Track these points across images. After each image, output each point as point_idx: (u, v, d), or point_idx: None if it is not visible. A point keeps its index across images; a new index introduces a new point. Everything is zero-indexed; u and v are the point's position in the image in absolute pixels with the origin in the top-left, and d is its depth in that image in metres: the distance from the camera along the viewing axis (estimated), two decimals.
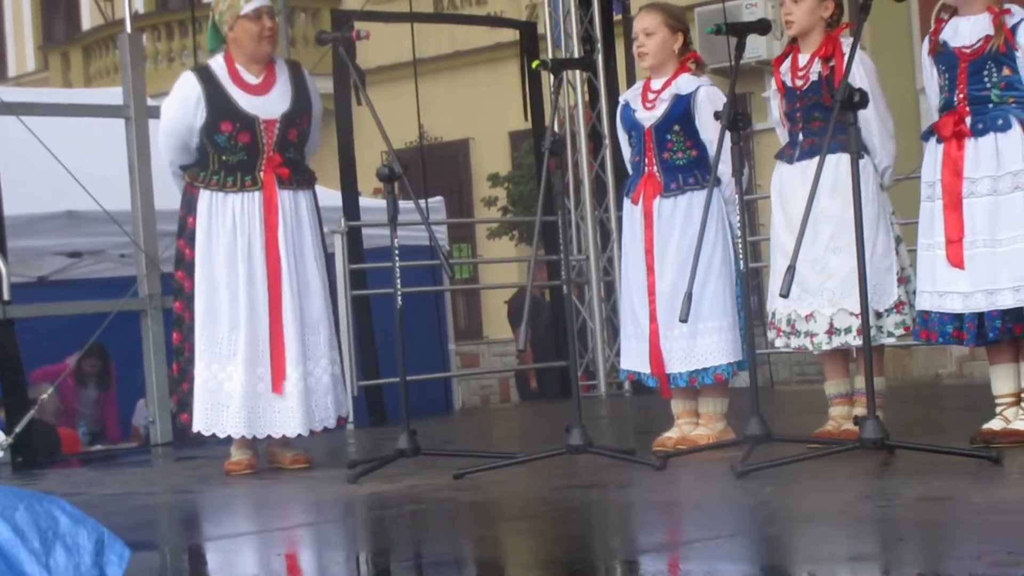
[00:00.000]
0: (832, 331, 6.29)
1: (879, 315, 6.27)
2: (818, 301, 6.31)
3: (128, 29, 9.41)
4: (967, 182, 5.86)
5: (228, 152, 6.90)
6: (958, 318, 5.90)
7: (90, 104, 10.81)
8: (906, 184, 7.22)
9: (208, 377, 6.88)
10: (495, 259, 19.80)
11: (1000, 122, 5.82)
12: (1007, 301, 5.77)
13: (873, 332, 6.13)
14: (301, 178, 7.03)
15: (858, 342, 6.20)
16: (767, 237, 6.63)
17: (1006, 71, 5.85)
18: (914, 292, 6.21)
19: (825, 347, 6.33)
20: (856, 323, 6.17)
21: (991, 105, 5.86)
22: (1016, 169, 5.79)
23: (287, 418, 6.86)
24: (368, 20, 10.40)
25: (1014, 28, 5.85)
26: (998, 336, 5.85)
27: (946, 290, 5.90)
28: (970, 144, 5.86)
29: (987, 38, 5.87)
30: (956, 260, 5.85)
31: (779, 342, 6.49)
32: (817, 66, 6.33)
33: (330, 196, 10.59)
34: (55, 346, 10.76)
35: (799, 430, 6.57)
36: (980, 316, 5.84)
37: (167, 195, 8.05)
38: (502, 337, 20.22)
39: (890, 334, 6.32)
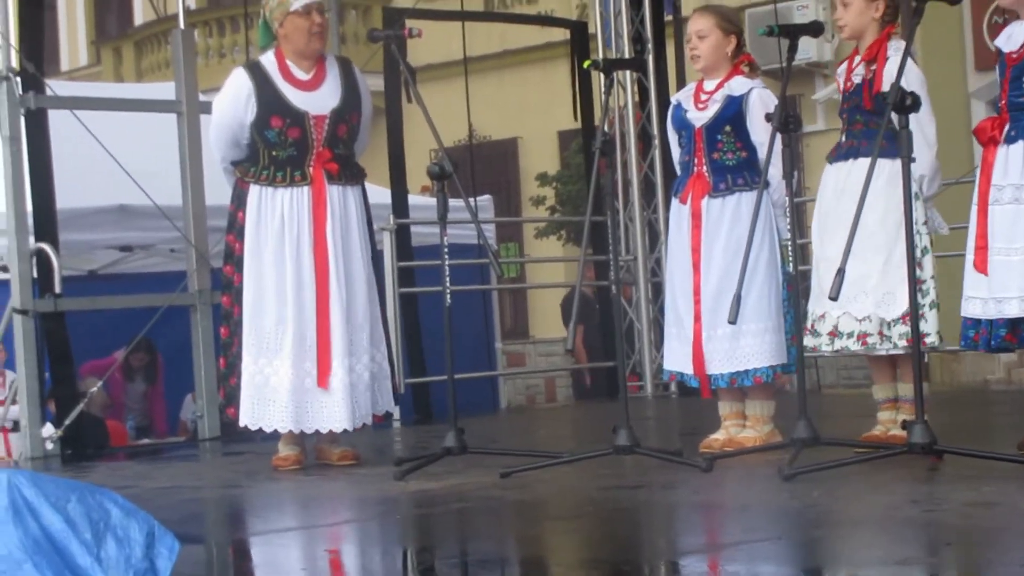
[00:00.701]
0: (835, 333, 6.28)
1: (888, 324, 6.21)
2: (829, 303, 6.28)
3: (181, 25, 9.46)
4: (994, 189, 5.83)
5: (278, 147, 6.93)
6: (978, 323, 5.90)
7: (143, 99, 10.87)
8: (956, 188, 7.19)
9: (255, 371, 6.91)
10: (543, 258, 19.80)
11: None
12: (1013, 310, 5.75)
13: (878, 340, 6.13)
14: (350, 174, 7.06)
15: (856, 348, 6.22)
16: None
17: None
18: (928, 305, 6.17)
19: (825, 349, 6.32)
20: (858, 328, 6.17)
21: None
22: None
23: (333, 413, 6.88)
24: (419, 18, 10.41)
25: None
26: (1002, 345, 5.85)
27: (971, 295, 5.91)
28: (1001, 151, 5.84)
29: None
30: (981, 266, 5.85)
31: (827, 346, 6.47)
32: (861, 69, 6.31)
33: (379, 193, 10.59)
34: (104, 340, 10.81)
35: (846, 434, 6.55)
36: (992, 322, 5.84)
37: (218, 190, 8.09)
38: (549, 337, 20.22)
39: (895, 345, 6.25)
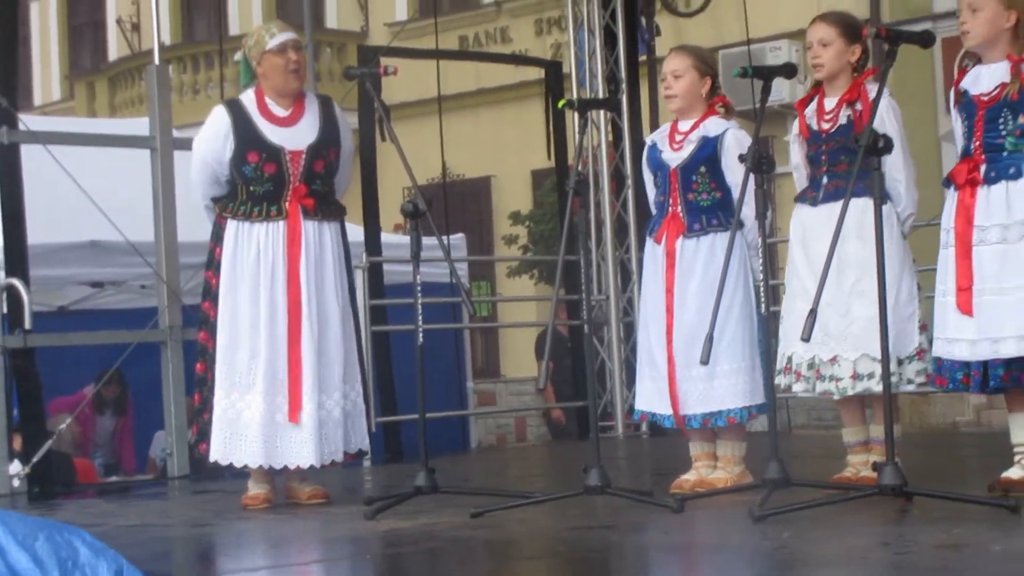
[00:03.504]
0: (855, 376, 6.29)
1: (900, 362, 6.26)
2: (842, 346, 6.30)
3: (156, 60, 9.45)
4: (977, 230, 5.87)
5: (255, 182, 6.94)
6: (966, 365, 5.90)
7: (116, 135, 10.85)
8: (926, 231, 7.22)
9: (227, 406, 6.89)
10: (515, 297, 19.79)
11: (1012, 170, 5.83)
12: (1011, 350, 5.77)
13: (894, 379, 6.12)
14: (328, 210, 7.06)
15: (878, 388, 6.19)
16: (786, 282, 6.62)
17: (1022, 119, 5.85)
18: (929, 341, 6.22)
19: (850, 392, 6.32)
20: (879, 369, 6.16)
21: (1005, 153, 5.86)
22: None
23: (301, 449, 6.87)
24: (394, 56, 10.44)
25: None
26: (1000, 385, 5.86)
27: (955, 337, 5.92)
28: (982, 192, 5.88)
29: (1003, 85, 5.89)
30: (965, 308, 5.86)
31: (797, 387, 6.47)
32: (846, 110, 6.34)
33: (351, 231, 10.58)
34: (74, 376, 10.78)
35: (817, 475, 6.55)
36: (985, 364, 5.84)
37: (190, 227, 8.08)
38: (519, 376, 20.20)
39: (910, 381, 6.30)
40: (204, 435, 6.99)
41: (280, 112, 7.02)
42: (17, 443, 8.62)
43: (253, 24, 22.46)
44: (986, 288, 5.83)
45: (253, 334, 6.88)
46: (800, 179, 6.57)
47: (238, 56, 7.17)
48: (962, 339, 5.89)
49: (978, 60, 6.04)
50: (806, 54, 6.60)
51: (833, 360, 6.33)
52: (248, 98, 7.06)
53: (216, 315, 6.96)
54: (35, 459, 8.40)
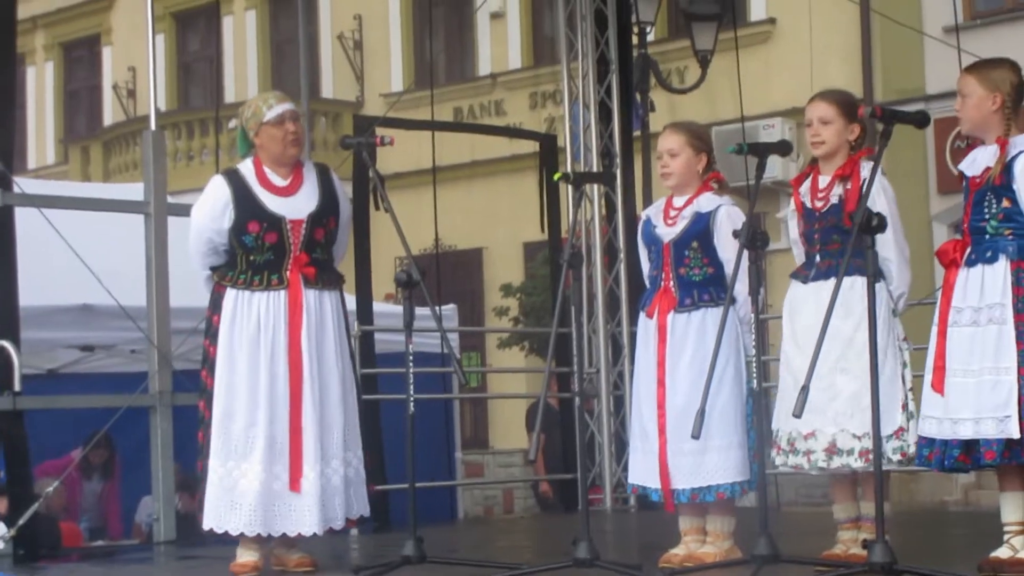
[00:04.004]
0: (834, 451, 6.29)
1: (882, 440, 6.25)
2: (820, 420, 6.30)
3: (152, 126, 9.47)
4: (953, 311, 5.95)
5: (255, 252, 6.95)
6: (932, 442, 5.97)
7: (110, 199, 10.87)
8: (918, 310, 7.24)
9: (224, 474, 6.85)
10: (507, 368, 19.79)
11: (989, 254, 5.89)
12: (967, 432, 5.84)
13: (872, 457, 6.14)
14: (328, 279, 7.08)
15: (858, 464, 6.23)
16: (778, 357, 6.64)
17: (1006, 203, 5.90)
18: (912, 415, 6.25)
19: (821, 465, 6.32)
20: (858, 445, 6.19)
21: (987, 236, 5.92)
22: (994, 302, 5.85)
23: (302, 516, 6.83)
24: (389, 126, 10.48)
25: (1011, 161, 5.89)
26: (955, 465, 5.92)
27: (926, 414, 6.00)
28: (961, 274, 5.96)
29: (988, 169, 5.94)
30: (938, 386, 5.93)
31: (778, 460, 6.47)
32: (838, 189, 6.37)
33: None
34: (62, 439, 10.74)
35: (806, 551, 6.54)
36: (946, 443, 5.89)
37: (182, 292, 8.09)
38: (508, 447, 20.16)
39: (888, 460, 6.29)
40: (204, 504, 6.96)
41: (279, 182, 7.04)
42: (3, 505, 8.59)
43: (249, 91, 22.63)
44: (954, 369, 5.90)
45: (251, 402, 6.86)
46: (799, 255, 6.60)
47: (233, 124, 7.20)
48: (931, 416, 5.98)
49: (976, 141, 6.10)
50: (800, 132, 6.64)
51: (810, 435, 6.34)
52: (246, 168, 7.08)
53: (213, 384, 6.94)
54: (21, 522, 8.36)
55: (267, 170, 7.04)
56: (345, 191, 7.24)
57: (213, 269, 7.07)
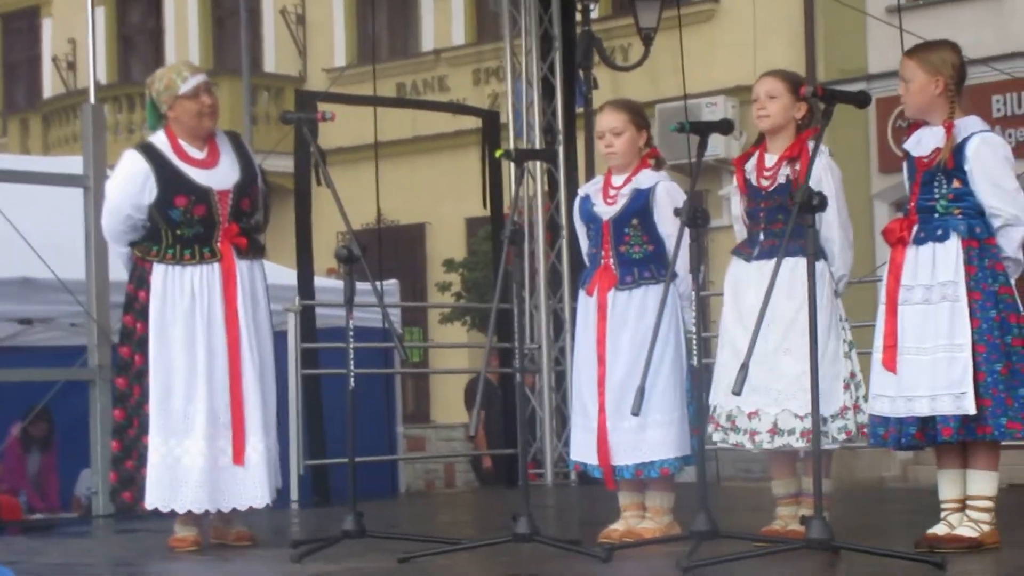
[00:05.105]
0: (775, 431, 6.31)
1: (824, 420, 6.27)
2: (763, 400, 6.32)
3: (92, 99, 9.41)
4: (903, 289, 5.97)
5: (183, 226, 6.88)
6: (886, 421, 6.00)
7: (50, 172, 10.79)
8: (859, 288, 7.27)
9: (165, 452, 6.78)
10: (448, 344, 19.78)
11: (939, 232, 5.92)
12: (923, 409, 5.87)
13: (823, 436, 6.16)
14: (255, 248, 7.05)
15: (800, 444, 6.25)
16: (718, 334, 6.66)
17: (956, 183, 5.94)
18: (861, 398, 6.28)
19: (766, 446, 6.34)
20: (800, 425, 6.21)
21: (936, 215, 5.95)
22: (946, 280, 5.88)
23: (249, 489, 6.80)
24: (331, 102, 10.44)
25: (962, 144, 5.92)
26: (912, 443, 5.96)
27: (878, 393, 6.03)
28: (910, 252, 5.98)
29: (938, 150, 5.97)
30: (889, 364, 5.96)
31: (716, 436, 6.48)
32: (785, 168, 6.38)
33: (285, 274, 10.59)
34: (1, 413, 10.67)
35: (745, 527, 6.57)
36: (901, 421, 5.93)
37: (121, 267, 8.03)
38: (450, 422, 20.19)
39: (834, 439, 6.32)
40: (128, 483, 6.90)
41: (197, 154, 6.97)
42: None
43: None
44: (907, 347, 5.93)
45: (190, 378, 6.81)
46: (740, 231, 6.61)
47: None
48: (884, 395, 6.00)
49: (919, 121, 6.13)
50: (743, 110, 6.66)
51: (753, 414, 6.36)
52: (160, 140, 6.97)
53: (140, 362, 6.86)
54: None
55: (183, 143, 6.95)
56: (280, 167, 7.20)
57: (132, 244, 6.99)
